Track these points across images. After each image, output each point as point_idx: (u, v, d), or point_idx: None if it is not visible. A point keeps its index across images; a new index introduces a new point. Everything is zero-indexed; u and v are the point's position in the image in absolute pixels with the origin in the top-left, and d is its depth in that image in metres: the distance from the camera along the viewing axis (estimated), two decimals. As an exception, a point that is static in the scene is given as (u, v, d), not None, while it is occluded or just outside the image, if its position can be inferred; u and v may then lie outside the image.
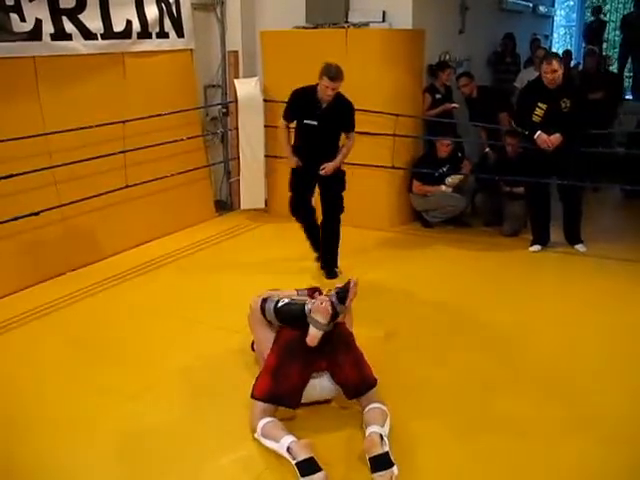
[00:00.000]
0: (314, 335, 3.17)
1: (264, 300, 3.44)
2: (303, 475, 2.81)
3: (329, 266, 5.41)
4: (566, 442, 3.17)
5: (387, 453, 2.88)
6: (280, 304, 3.35)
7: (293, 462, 2.88)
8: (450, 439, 3.20)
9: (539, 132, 5.60)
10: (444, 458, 3.05)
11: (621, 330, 4.43)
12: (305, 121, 5.15)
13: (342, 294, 3.28)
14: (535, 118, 5.63)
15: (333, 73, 4.87)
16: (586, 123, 5.75)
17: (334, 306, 3.22)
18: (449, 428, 3.28)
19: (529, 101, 5.73)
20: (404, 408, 3.36)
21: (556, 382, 3.73)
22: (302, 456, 2.86)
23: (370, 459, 2.88)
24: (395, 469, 2.84)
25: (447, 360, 4.00)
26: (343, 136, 5.34)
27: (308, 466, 2.83)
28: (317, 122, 5.10)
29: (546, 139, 5.57)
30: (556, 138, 5.57)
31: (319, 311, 3.16)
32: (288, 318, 3.33)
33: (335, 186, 5.30)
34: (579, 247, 5.98)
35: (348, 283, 3.34)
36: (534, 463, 3.01)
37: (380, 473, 2.82)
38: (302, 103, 5.17)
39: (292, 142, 5.34)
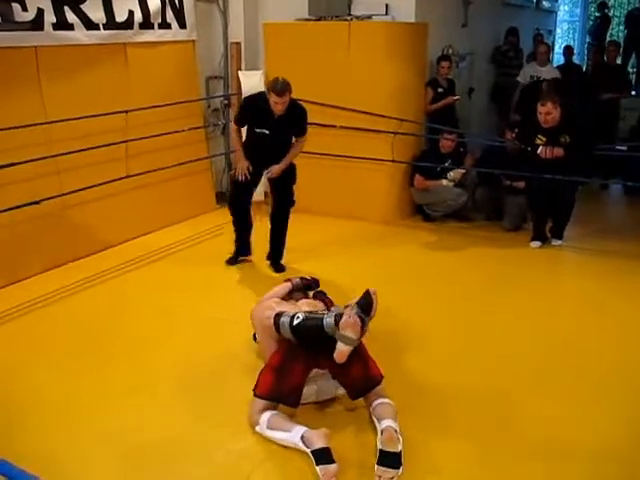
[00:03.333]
0: (343, 352, 3.06)
1: (277, 315, 3.30)
2: (319, 463, 2.82)
3: (277, 260, 5.41)
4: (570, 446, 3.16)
5: (400, 453, 2.89)
6: (295, 321, 3.19)
7: (308, 450, 2.88)
8: (453, 445, 3.16)
9: (540, 148, 5.64)
10: (446, 462, 3.03)
11: (627, 329, 4.41)
12: (257, 130, 5.05)
13: (365, 306, 3.14)
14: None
15: (279, 88, 4.77)
16: (587, 154, 5.78)
17: (362, 319, 3.10)
18: (452, 432, 3.24)
19: (529, 132, 5.78)
20: (407, 410, 3.31)
21: (566, 389, 3.66)
22: (319, 445, 2.87)
23: (382, 452, 2.89)
24: (401, 470, 2.85)
25: (449, 360, 3.98)
26: None
27: (324, 455, 2.84)
28: (270, 131, 5.01)
29: (548, 151, 5.60)
30: (558, 151, 5.59)
31: (349, 326, 3.04)
32: (306, 336, 3.19)
33: (286, 180, 5.25)
34: (555, 241, 6.03)
35: (367, 294, 3.19)
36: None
37: (386, 469, 2.83)
38: (254, 112, 5.05)
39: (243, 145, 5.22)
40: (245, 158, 5.14)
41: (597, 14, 13.43)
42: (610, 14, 13.81)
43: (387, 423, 3.02)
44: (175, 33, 6.49)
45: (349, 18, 6.59)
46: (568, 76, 8.37)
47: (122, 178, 5.72)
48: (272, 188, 5.37)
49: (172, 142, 6.28)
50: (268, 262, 5.46)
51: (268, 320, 3.36)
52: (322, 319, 3.14)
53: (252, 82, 6.82)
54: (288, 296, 3.85)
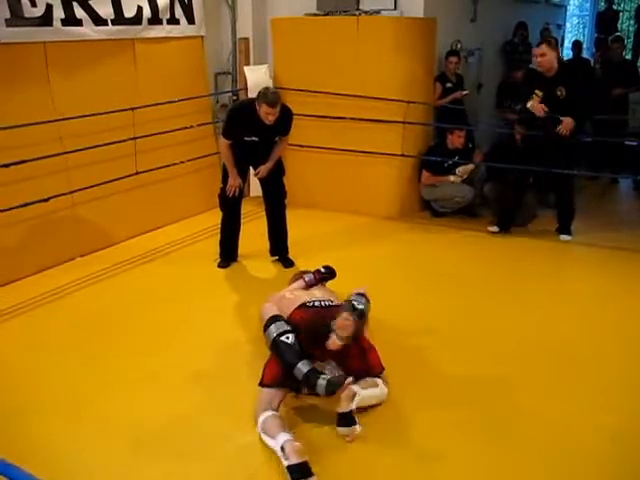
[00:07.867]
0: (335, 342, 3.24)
1: (271, 318, 3.38)
2: (293, 479, 2.76)
3: (285, 254, 5.42)
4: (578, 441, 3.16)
5: (351, 412, 3.05)
6: (279, 338, 3.24)
7: (285, 464, 2.81)
8: (456, 436, 3.18)
9: (529, 103, 5.65)
10: (449, 450, 3.05)
11: (636, 324, 4.38)
12: (246, 138, 4.96)
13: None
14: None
15: (271, 99, 4.67)
16: (584, 109, 5.77)
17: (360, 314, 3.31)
18: (455, 425, 3.25)
19: (528, 87, 5.81)
20: (409, 402, 3.34)
21: (570, 384, 3.65)
22: (294, 460, 2.78)
23: (337, 414, 3.06)
24: (358, 427, 3.04)
25: (453, 354, 3.98)
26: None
27: (299, 470, 2.75)
28: (259, 138, 4.96)
29: (539, 106, 5.60)
30: (543, 107, 5.59)
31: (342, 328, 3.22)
32: (279, 358, 3.25)
33: (275, 174, 5.25)
34: (564, 237, 6.02)
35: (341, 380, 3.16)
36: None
37: (342, 429, 3.04)
38: (243, 121, 4.95)
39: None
40: (238, 175, 5.14)
41: (603, 7, 13.34)
42: (619, 8, 13.69)
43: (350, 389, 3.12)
44: (184, 29, 6.50)
45: (357, 13, 6.56)
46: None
47: (131, 175, 5.74)
48: (263, 184, 5.36)
49: (181, 138, 6.29)
50: (273, 258, 5.46)
51: (265, 316, 3.43)
52: (298, 363, 3.13)
53: (257, 76, 6.83)
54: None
